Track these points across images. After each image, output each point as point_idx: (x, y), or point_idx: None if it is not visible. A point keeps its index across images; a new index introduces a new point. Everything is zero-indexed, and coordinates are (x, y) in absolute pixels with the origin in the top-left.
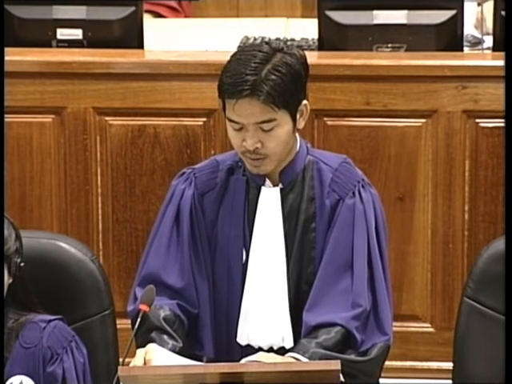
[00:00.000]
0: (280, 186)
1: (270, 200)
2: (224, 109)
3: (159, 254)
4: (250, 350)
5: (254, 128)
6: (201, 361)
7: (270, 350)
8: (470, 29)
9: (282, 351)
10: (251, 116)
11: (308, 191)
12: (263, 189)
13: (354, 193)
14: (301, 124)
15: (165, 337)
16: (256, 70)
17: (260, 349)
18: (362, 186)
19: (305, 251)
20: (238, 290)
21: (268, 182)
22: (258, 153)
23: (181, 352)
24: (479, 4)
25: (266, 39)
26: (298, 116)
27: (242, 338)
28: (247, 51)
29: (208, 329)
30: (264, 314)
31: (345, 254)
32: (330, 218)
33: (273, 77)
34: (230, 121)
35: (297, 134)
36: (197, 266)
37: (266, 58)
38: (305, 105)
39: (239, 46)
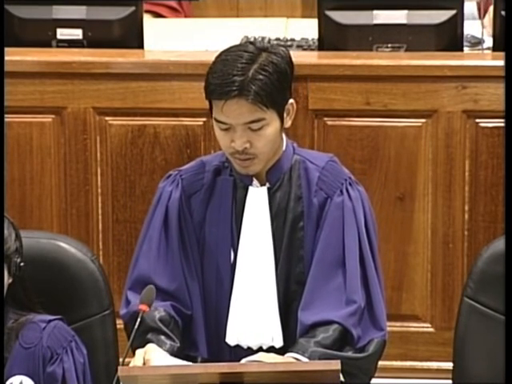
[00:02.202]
0: (267, 185)
1: (257, 199)
2: (211, 110)
3: (149, 256)
4: (239, 350)
5: (242, 128)
6: (195, 362)
7: (260, 349)
8: (470, 29)
9: (271, 351)
10: (240, 116)
11: (295, 190)
12: (250, 188)
13: (341, 191)
14: (288, 123)
15: (162, 337)
16: (243, 70)
17: (249, 349)
18: (350, 184)
19: (293, 250)
20: (227, 290)
21: (255, 181)
22: (247, 153)
23: (178, 352)
24: (479, 9)
25: (267, 39)
26: (285, 115)
27: (232, 339)
28: (232, 52)
29: (201, 330)
30: (253, 314)
31: (336, 251)
32: (318, 216)
33: (260, 76)
34: (218, 122)
35: (283, 134)
36: (187, 267)
37: (251, 57)
38: (291, 104)
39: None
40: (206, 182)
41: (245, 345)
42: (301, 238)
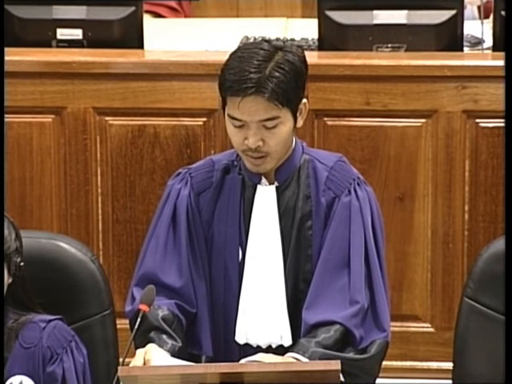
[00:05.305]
0: (276, 184)
1: (265, 198)
2: (223, 106)
3: (156, 253)
4: (248, 348)
5: (256, 126)
6: (199, 360)
7: (269, 348)
8: (470, 29)
9: (280, 349)
10: (255, 114)
11: (304, 189)
12: (259, 187)
13: (349, 190)
14: (300, 123)
15: (164, 336)
16: (260, 67)
17: (258, 347)
18: (358, 184)
19: (301, 249)
20: (235, 288)
21: (264, 180)
22: (260, 151)
23: (180, 351)
24: (479, 10)
25: (267, 39)
26: (297, 114)
27: (241, 337)
28: (248, 49)
29: (206, 328)
30: (262, 313)
31: (342, 251)
32: (326, 215)
33: (277, 74)
34: (233, 118)
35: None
36: (194, 265)
37: (268, 55)
38: (304, 103)
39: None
40: (215, 180)
41: (254, 343)
42: (309, 237)
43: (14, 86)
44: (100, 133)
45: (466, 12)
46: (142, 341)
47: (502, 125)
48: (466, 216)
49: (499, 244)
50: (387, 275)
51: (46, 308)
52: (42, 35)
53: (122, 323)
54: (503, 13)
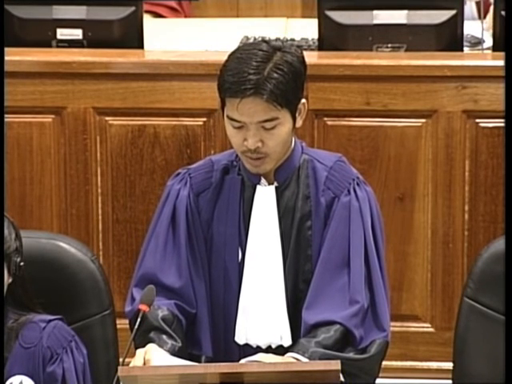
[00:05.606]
0: (275, 184)
1: (265, 198)
2: (223, 107)
3: (156, 254)
4: (248, 348)
5: (255, 127)
6: (199, 361)
7: (269, 348)
8: (470, 29)
9: (280, 350)
10: (254, 115)
11: (303, 189)
12: (258, 187)
13: (349, 190)
14: (299, 123)
15: (164, 337)
16: (258, 68)
17: (258, 347)
18: (357, 184)
19: (301, 249)
20: (235, 289)
21: (263, 180)
22: (259, 152)
23: (180, 352)
24: (479, 9)
25: (266, 39)
26: (296, 114)
27: (240, 337)
28: (247, 50)
29: (206, 328)
30: (262, 313)
31: (341, 251)
32: (325, 215)
33: (275, 75)
34: (231, 120)
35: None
36: (194, 265)
37: (266, 56)
38: (303, 103)
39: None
40: (215, 180)
41: (254, 343)
42: (308, 237)
43: (13, 86)
44: (100, 133)
45: (465, 10)
46: (141, 341)
47: (502, 125)
48: (466, 216)
49: (499, 244)
50: (387, 275)
51: (46, 308)
52: (42, 35)
53: (122, 323)
54: (503, 13)
